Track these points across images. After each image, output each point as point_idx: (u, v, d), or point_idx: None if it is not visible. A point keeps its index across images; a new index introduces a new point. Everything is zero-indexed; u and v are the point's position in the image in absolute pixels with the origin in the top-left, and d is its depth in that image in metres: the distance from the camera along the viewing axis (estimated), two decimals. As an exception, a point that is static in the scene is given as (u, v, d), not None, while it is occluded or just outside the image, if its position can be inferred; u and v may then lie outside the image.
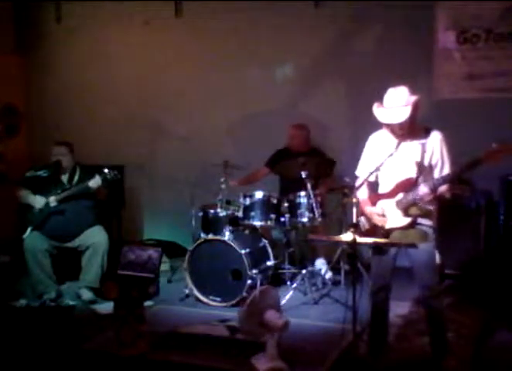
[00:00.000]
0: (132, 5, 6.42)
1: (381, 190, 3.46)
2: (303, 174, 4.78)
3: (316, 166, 4.96)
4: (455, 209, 4.80)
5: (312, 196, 4.80)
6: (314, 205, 4.81)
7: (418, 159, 3.26)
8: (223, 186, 5.04)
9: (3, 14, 6.79)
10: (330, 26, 5.86)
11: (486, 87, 5.43)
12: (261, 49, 6.10)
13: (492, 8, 5.32)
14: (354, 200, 3.17)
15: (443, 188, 3.20)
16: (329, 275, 5.18)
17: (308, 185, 4.79)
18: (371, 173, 3.37)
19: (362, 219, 3.43)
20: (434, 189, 3.15)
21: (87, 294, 4.87)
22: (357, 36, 5.79)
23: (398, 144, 3.29)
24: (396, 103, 3.21)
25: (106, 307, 4.53)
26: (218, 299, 4.73)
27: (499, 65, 5.36)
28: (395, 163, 3.32)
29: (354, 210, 3.12)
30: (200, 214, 5.25)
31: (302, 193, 4.90)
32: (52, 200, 4.96)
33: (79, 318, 4.45)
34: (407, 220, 3.29)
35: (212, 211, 5.13)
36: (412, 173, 3.28)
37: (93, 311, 4.66)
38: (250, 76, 6.19)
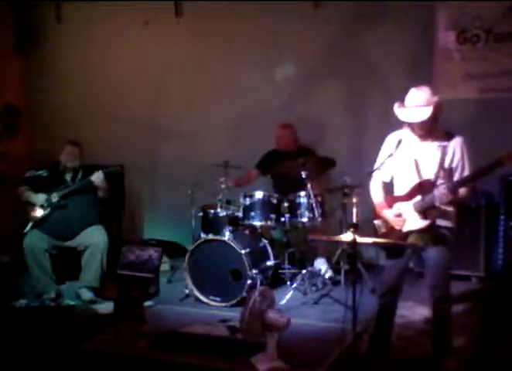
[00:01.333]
0: (132, 5, 6.42)
1: (398, 192, 3.43)
2: (303, 174, 4.79)
3: (314, 165, 4.96)
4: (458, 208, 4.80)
5: (312, 196, 4.80)
6: (314, 205, 4.82)
7: (438, 161, 3.24)
8: (223, 186, 5.04)
9: (3, 14, 6.79)
10: (330, 26, 5.85)
11: (485, 87, 5.42)
12: (261, 48, 6.09)
13: (492, 8, 5.32)
14: (354, 200, 3.17)
15: (462, 190, 3.18)
16: (329, 275, 5.18)
17: (308, 185, 4.79)
18: (372, 171, 3.35)
19: (378, 222, 3.40)
20: (453, 191, 3.12)
21: (86, 294, 4.87)
22: (357, 36, 5.78)
23: (398, 143, 3.28)
24: (417, 103, 3.19)
25: (106, 307, 4.52)
26: (218, 299, 4.72)
27: (499, 65, 5.35)
28: (413, 164, 3.29)
29: (354, 210, 3.12)
30: (200, 214, 5.25)
31: (302, 193, 4.91)
32: (55, 195, 4.99)
33: (79, 318, 4.44)
34: (425, 223, 3.26)
35: (212, 211, 5.13)
36: (431, 175, 3.26)
37: (93, 311, 4.66)
38: (250, 76, 6.18)
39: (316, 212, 4.82)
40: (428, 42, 5.53)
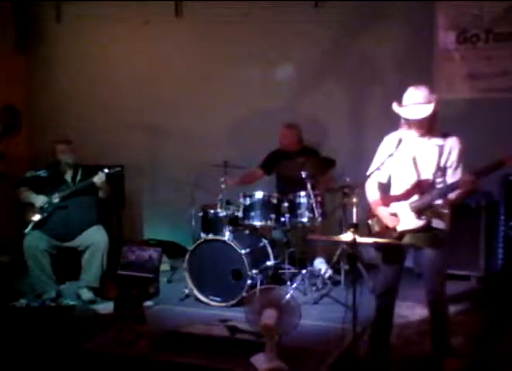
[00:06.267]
0: (132, 5, 6.42)
1: (394, 191, 3.42)
2: (303, 174, 4.79)
3: (315, 165, 4.96)
4: (455, 209, 4.79)
5: (312, 196, 4.80)
6: (314, 205, 4.82)
7: (436, 160, 3.23)
8: (223, 186, 5.04)
9: (3, 14, 6.79)
10: (330, 26, 5.85)
11: (485, 87, 5.42)
12: (260, 48, 6.09)
13: (492, 8, 5.31)
14: (354, 200, 3.16)
15: (457, 192, 3.16)
16: (328, 275, 5.17)
17: (308, 185, 4.79)
18: (372, 171, 3.34)
19: (372, 220, 3.38)
20: (451, 193, 3.13)
21: (86, 294, 4.87)
22: (357, 36, 5.78)
23: (398, 143, 3.26)
24: (417, 101, 3.19)
25: (106, 307, 4.53)
26: (218, 299, 4.73)
27: (499, 65, 5.35)
28: (411, 163, 3.29)
29: (354, 210, 3.11)
30: (200, 214, 5.25)
31: (302, 193, 4.91)
32: (56, 197, 4.98)
33: (79, 318, 4.45)
34: (420, 223, 3.25)
35: (212, 211, 5.14)
36: (429, 174, 3.26)
37: (93, 311, 4.66)
38: (250, 76, 6.18)
39: (316, 212, 4.82)
40: (428, 42, 5.53)
